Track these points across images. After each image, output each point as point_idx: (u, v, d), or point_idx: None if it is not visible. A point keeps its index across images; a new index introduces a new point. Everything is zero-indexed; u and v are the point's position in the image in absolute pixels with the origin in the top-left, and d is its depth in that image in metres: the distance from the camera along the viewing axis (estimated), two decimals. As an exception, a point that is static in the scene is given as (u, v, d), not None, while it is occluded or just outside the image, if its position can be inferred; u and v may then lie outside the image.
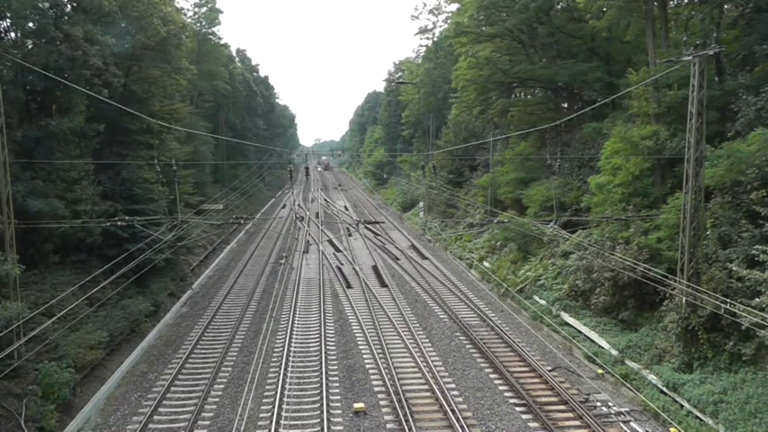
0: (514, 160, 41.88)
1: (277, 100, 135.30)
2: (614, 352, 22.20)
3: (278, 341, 25.18)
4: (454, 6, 52.05)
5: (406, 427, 17.20)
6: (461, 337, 25.69)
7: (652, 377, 19.74)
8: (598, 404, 19.00)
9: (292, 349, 24.10)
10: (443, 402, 18.65)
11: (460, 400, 19.36)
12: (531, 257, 34.70)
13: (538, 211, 34.98)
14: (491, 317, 28.63)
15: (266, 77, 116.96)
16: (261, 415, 18.39)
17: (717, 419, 16.49)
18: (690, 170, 18.60)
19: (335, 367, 22.26)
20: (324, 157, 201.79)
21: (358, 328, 26.94)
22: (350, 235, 53.47)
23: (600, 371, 21.73)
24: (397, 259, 43.07)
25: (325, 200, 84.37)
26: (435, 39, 78.11)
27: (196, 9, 62.94)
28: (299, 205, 75.88)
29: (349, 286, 34.82)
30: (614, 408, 18.77)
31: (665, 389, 18.94)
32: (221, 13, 69.71)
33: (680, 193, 20.69)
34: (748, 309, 16.64)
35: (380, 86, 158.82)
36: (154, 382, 21.15)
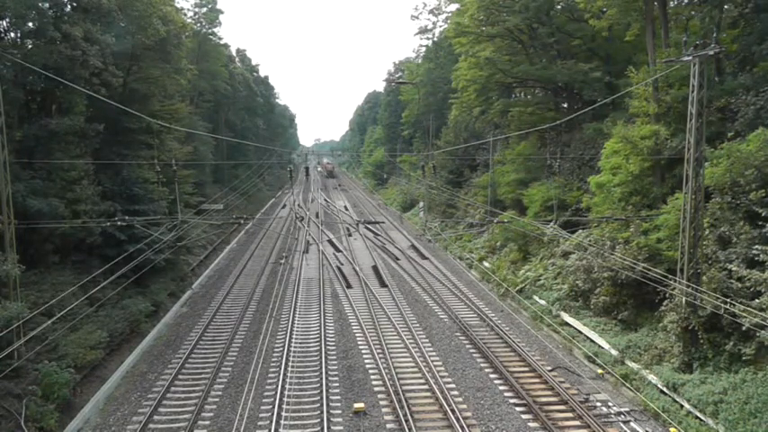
0: (514, 160, 41.88)
1: (277, 100, 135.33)
2: (614, 352, 22.20)
3: (278, 341, 25.18)
4: (454, 6, 52.15)
5: (405, 427, 17.20)
6: (461, 337, 25.69)
7: (652, 377, 19.73)
8: (598, 404, 19.00)
9: (292, 349, 24.10)
10: (443, 402, 18.64)
11: (460, 400, 19.36)
12: (531, 257, 34.69)
13: (538, 211, 34.98)
14: (491, 317, 28.62)
15: (266, 77, 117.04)
16: (261, 415, 18.39)
17: (717, 419, 16.48)
18: (690, 170, 18.60)
19: (335, 367, 22.26)
20: (325, 160, 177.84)
21: (358, 328, 26.93)
22: (350, 235, 53.46)
23: (600, 371, 21.73)
24: (397, 259, 43.07)
25: (325, 200, 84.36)
26: (435, 39, 78.05)
27: (196, 9, 62.99)
28: (298, 205, 75.88)
29: (349, 286, 34.82)
30: (614, 408, 18.77)
31: (665, 389, 18.94)
32: (221, 13, 69.80)
33: (680, 193, 20.69)
34: (748, 309, 16.65)
35: (380, 86, 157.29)
36: (154, 382, 21.15)
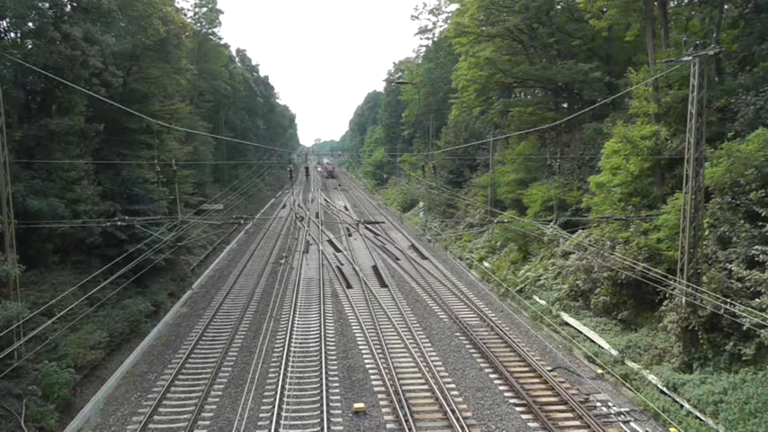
0: (514, 160, 41.89)
1: (277, 100, 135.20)
2: (614, 352, 22.20)
3: (278, 341, 25.18)
4: (454, 6, 52.08)
5: (405, 427, 17.19)
6: (461, 337, 25.69)
7: (652, 377, 19.74)
8: (598, 404, 19.00)
9: (292, 349, 24.10)
10: (443, 402, 18.65)
11: (460, 400, 19.36)
12: (531, 257, 34.69)
13: (538, 211, 34.98)
14: (491, 317, 28.62)
15: (266, 77, 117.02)
16: (261, 415, 18.39)
17: (717, 419, 16.49)
18: (690, 170, 18.60)
19: (335, 367, 22.25)
20: (325, 160, 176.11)
21: (358, 328, 26.93)
22: (350, 235, 53.46)
23: (600, 371, 21.73)
24: (397, 259, 43.06)
25: (325, 200, 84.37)
26: (435, 39, 78.11)
27: (196, 9, 62.99)
28: (299, 205, 75.89)
29: (349, 286, 34.82)
30: (614, 408, 18.77)
31: (665, 389, 18.94)
32: (221, 13, 69.89)
33: (680, 193, 20.69)
34: (748, 309, 16.65)
35: (380, 86, 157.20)
36: (154, 382, 21.15)
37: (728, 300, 17.27)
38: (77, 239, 25.68)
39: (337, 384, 20.63)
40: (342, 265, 40.73)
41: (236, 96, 77.52)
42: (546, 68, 38.94)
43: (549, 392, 19.81)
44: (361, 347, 24.41)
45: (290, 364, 22.50)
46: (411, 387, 20.17)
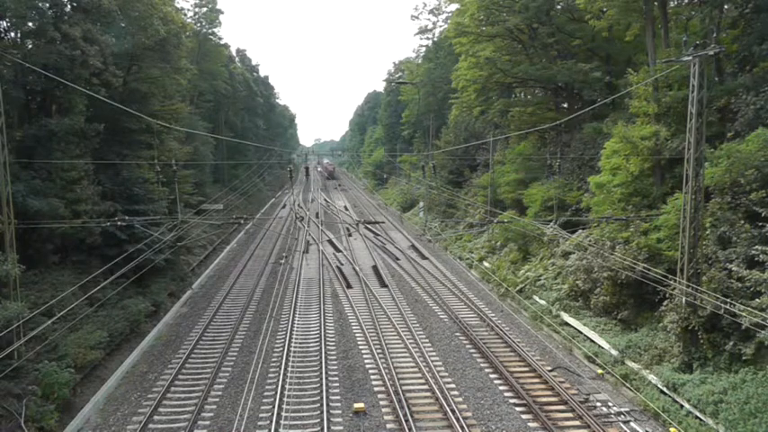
0: (514, 160, 41.88)
1: (277, 100, 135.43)
2: (614, 352, 22.20)
3: (278, 341, 25.18)
4: (454, 6, 52.12)
5: (405, 427, 17.19)
6: (461, 337, 25.69)
7: (652, 377, 19.74)
8: (598, 404, 19.00)
9: (292, 349, 24.10)
10: (443, 402, 18.64)
11: (460, 400, 19.36)
12: (531, 257, 34.70)
13: (538, 211, 34.98)
14: (491, 317, 28.62)
15: (266, 77, 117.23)
16: (261, 415, 18.39)
17: (717, 419, 16.49)
18: (690, 170, 18.60)
19: (335, 367, 22.25)
20: (326, 160, 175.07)
21: (358, 328, 26.93)
22: (350, 235, 53.46)
23: (600, 371, 21.73)
24: (397, 259, 43.06)
25: (325, 200, 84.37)
26: (435, 39, 78.14)
27: (196, 9, 62.99)
28: (299, 205, 75.89)
29: (349, 286, 34.81)
30: (614, 408, 18.77)
31: (665, 389, 18.94)
32: (221, 13, 69.88)
33: (680, 193, 20.69)
34: (748, 309, 16.65)
35: (380, 86, 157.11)
36: (154, 382, 21.15)
37: (728, 300, 17.27)
38: (77, 239, 25.68)
39: (337, 384, 20.63)
40: (342, 265, 40.74)
41: (236, 96, 77.56)
42: (546, 68, 38.91)
43: (549, 392, 19.81)
44: (361, 347, 24.40)
45: (290, 363, 22.50)
46: (411, 387, 20.17)
